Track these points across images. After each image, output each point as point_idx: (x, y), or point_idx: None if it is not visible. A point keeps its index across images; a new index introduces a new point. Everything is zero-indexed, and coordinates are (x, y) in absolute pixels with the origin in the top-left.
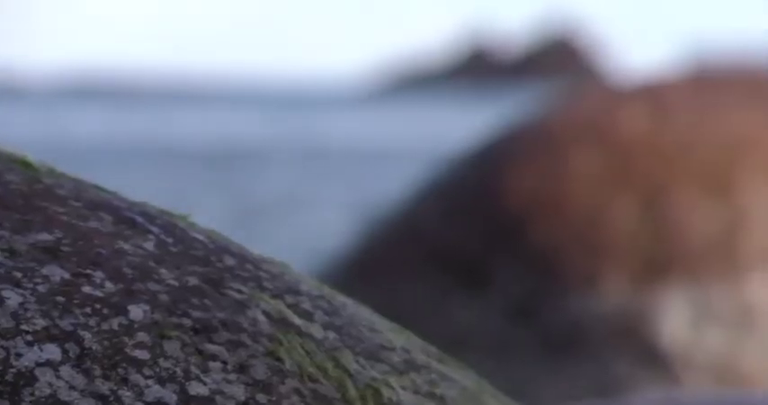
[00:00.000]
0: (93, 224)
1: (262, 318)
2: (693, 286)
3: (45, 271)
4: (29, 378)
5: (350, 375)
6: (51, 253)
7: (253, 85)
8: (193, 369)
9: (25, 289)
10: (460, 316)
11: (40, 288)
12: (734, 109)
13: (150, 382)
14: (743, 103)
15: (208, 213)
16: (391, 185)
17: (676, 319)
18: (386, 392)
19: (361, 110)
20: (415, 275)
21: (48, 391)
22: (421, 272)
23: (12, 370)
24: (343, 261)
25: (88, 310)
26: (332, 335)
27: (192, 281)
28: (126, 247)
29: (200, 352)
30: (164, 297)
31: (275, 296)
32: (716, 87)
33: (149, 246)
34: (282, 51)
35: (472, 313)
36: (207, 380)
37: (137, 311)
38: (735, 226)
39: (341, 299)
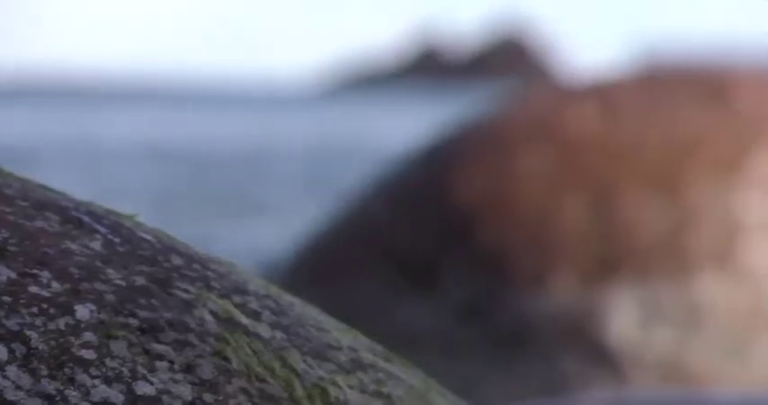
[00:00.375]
0: (39, 224)
1: (209, 317)
2: (642, 285)
3: None
4: None
5: (297, 375)
6: None
7: (207, 84)
8: (140, 369)
9: None
10: (410, 315)
11: None
12: (683, 108)
13: (97, 381)
14: (692, 103)
15: (156, 212)
16: (342, 184)
17: (625, 317)
18: (333, 392)
19: (312, 109)
20: (365, 275)
21: None
22: (370, 271)
23: None
24: (293, 260)
25: (35, 309)
26: (279, 334)
27: (139, 281)
28: (73, 246)
29: (146, 352)
30: (110, 297)
31: (222, 296)
32: (665, 87)
33: (96, 245)
34: (237, 52)
35: (422, 313)
36: (154, 380)
37: (83, 311)
38: (683, 225)
39: (288, 298)
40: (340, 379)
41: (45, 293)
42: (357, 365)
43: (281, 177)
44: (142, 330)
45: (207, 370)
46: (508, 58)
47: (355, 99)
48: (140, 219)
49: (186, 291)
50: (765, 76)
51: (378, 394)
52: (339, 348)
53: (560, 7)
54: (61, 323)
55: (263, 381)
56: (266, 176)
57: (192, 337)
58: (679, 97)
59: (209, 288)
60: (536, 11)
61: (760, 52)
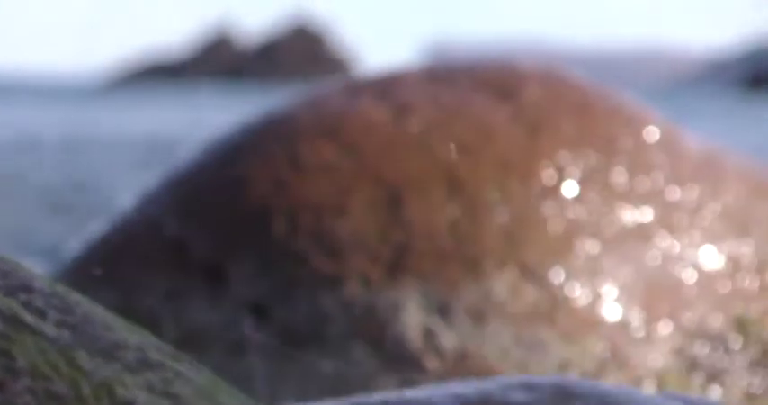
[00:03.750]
0: None
1: None
2: (432, 282)
3: None
4: None
5: (84, 374)
6: None
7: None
8: None
9: None
10: (198, 314)
11: None
12: (471, 105)
13: None
14: (479, 100)
15: None
16: (128, 178)
17: (415, 316)
18: (120, 391)
19: (98, 102)
20: (152, 273)
21: None
22: (157, 269)
23: None
24: (80, 258)
25: None
26: (65, 333)
27: None
28: None
29: None
30: None
31: (7, 294)
32: (453, 83)
33: None
34: (25, 45)
35: (210, 311)
36: None
37: None
38: (470, 223)
39: (74, 297)
40: (127, 378)
41: None
42: (144, 364)
43: (61, 172)
44: None
45: None
46: (302, 54)
47: (144, 92)
48: None
49: None
50: (551, 74)
51: (165, 394)
52: (126, 347)
53: (355, 8)
54: None
55: (48, 380)
56: (45, 171)
57: None
58: (468, 94)
59: None
60: (333, 7)
61: (548, 53)
